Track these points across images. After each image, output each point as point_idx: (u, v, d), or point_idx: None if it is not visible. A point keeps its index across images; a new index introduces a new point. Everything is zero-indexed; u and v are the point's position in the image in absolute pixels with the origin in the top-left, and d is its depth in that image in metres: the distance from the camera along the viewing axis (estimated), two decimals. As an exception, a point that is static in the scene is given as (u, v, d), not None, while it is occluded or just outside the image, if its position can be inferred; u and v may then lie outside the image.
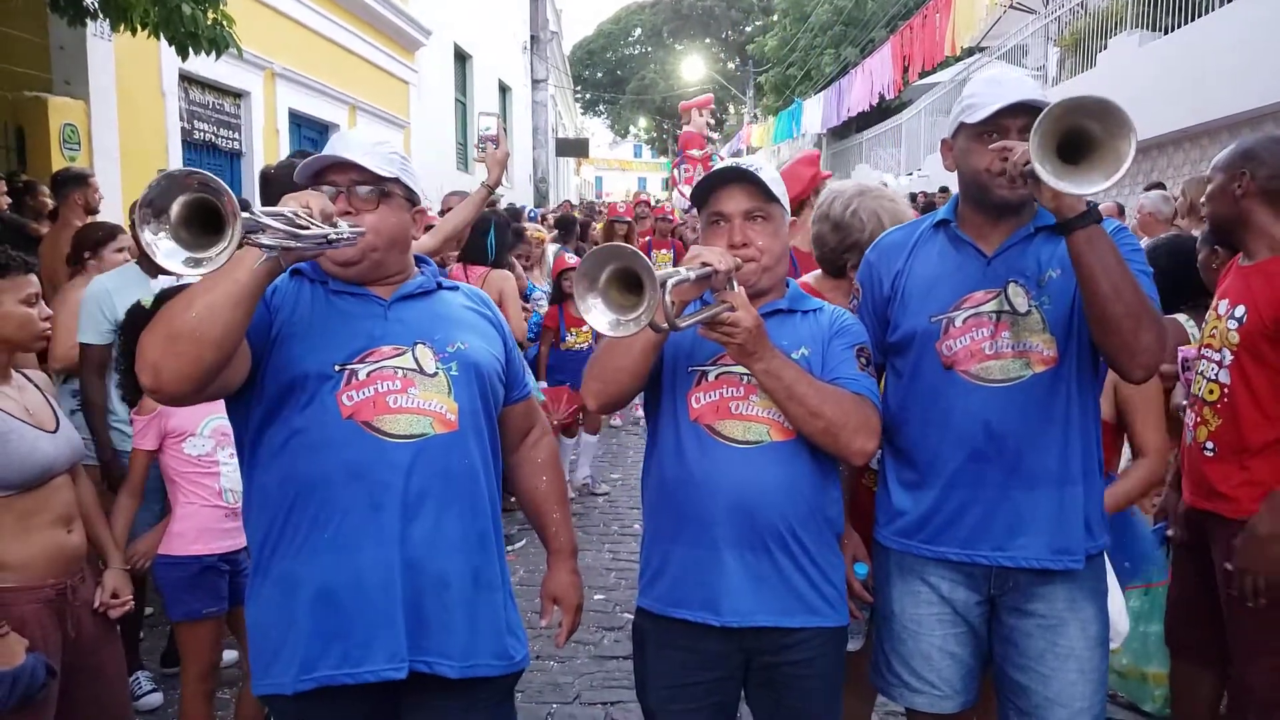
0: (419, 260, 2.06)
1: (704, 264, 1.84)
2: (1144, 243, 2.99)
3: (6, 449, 2.23)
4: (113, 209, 6.20)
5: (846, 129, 24.91)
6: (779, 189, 2.06)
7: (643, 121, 50.76)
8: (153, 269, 3.62)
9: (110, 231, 4.17)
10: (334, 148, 1.91)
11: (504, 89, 22.34)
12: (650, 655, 2.11)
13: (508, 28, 22.08)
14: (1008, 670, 2.14)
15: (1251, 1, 8.76)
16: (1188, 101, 9.40)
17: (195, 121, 8.73)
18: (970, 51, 17.60)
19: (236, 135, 9.50)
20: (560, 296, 6.40)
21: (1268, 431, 2.48)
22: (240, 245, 1.39)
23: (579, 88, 45.50)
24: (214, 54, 5.19)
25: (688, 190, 9.36)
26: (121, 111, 7.24)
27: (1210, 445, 2.60)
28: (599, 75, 48.11)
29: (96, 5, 5.05)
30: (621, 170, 52.18)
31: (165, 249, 1.33)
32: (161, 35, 5.02)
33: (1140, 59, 10.68)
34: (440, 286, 2.02)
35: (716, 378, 2.03)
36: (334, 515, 1.80)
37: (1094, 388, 2.12)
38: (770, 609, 1.99)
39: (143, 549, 2.99)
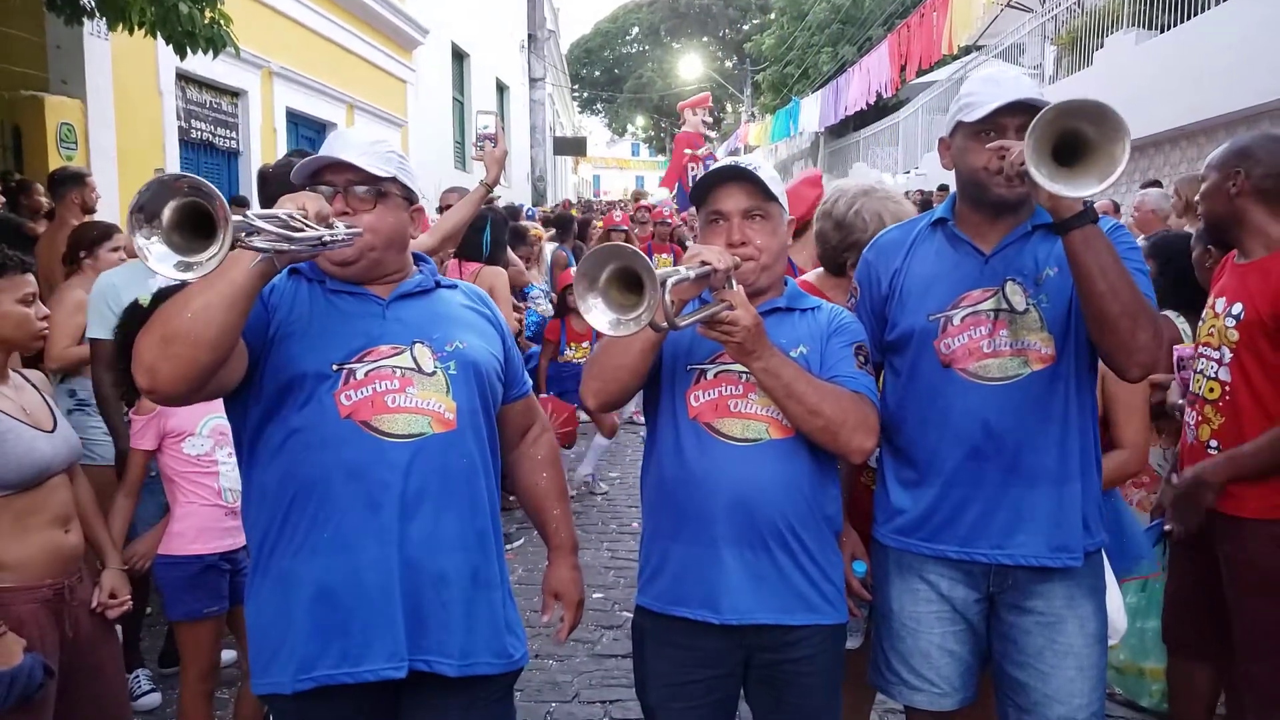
0: (417, 258, 2.06)
1: (703, 263, 1.84)
2: (1140, 240, 3.00)
3: (3, 449, 2.23)
4: (110, 208, 6.19)
5: (844, 127, 24.92)
6: (777, 188, 2.06)
7: (640, 120, 50.77)
8: None
9: (106, 231, 4.16)
10: (331, 147, 1.91)
11: (501, 88, 22.33)
12: (649, 653, 2.12)
13: (505, 26, 22.07)
14: (1006, 667, 2.15)
15: (1248, 1, 8.77)
16: (1184, 100, 9.41)
17: (192, 120, 8.71)
18: (967, 50, 17.61)
19: (234, 134, 9.49)
20: (564, 310, 6.39)
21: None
22: (232, 248, 1.38)
23: (576, 86, 45.50)
24: (211, 53, 5.18)
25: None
26: (118, 111, 7.23)
27: (1214, 444, 2.60)
28: (596, 74, 48.11)
29: (93, 4, 5.04)
30: (619, 169, 52.15)
31: (157, 253, 1.33)
32: (159, 34, 5.01)
33: (1137, 57, 10.70)
34: (439, 285, 2.02)
35: (715, 376, 2.04)
36: (333, 514, 1.80)
37: (1092, 386, 2.13)
38: (769, 607, 2.00)
39: (142, 549, 2.99)
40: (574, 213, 12.40)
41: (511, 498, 4.47)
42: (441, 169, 15.18)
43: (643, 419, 7.21)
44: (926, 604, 2.16)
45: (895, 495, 2.19)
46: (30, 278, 2.48)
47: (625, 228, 8.36)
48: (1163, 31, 10.51)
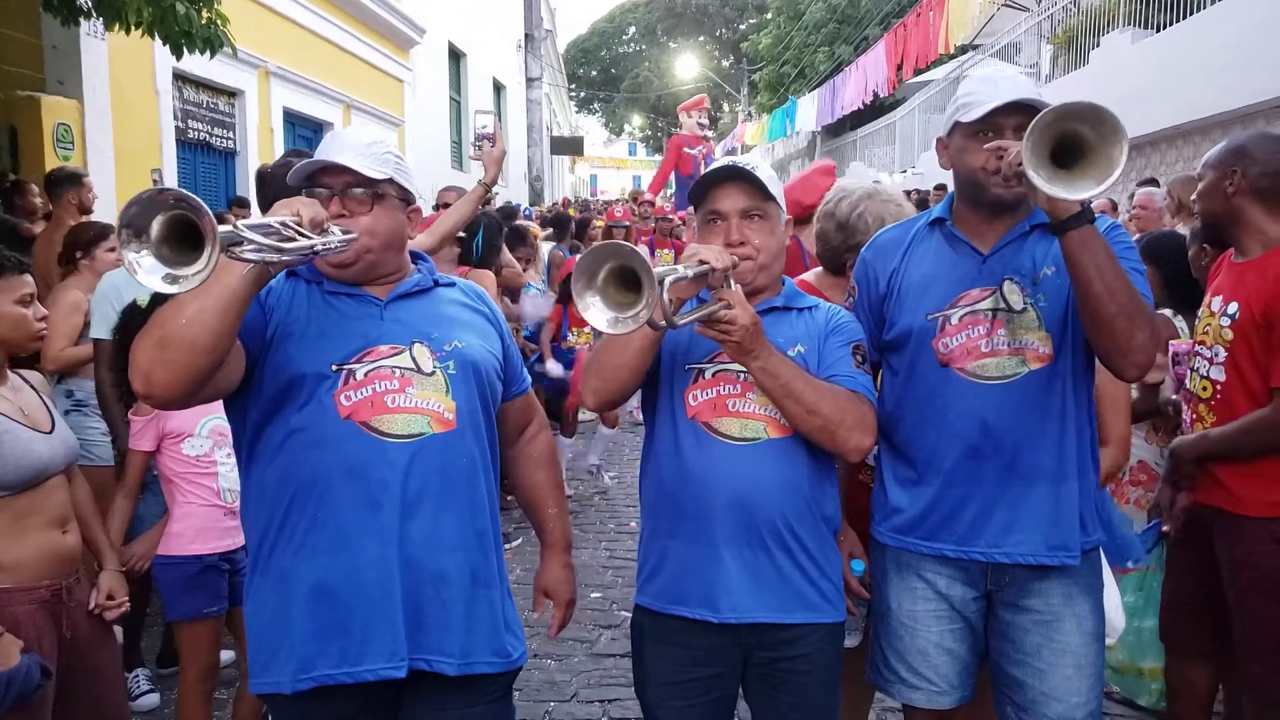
0: (416, 257, 2.06)
1: (701, 262, 1.84)
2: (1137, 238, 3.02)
3: (1, 450, 2.23)
4: (107, 209, 6.18)
5: (840, 127, 24.92)
6: (775, 188, 2.07)
7: (637, 119, 50.73)
8: None
9: (102, 231, 4.16)
10: (327, 149, 1.90)
11: (498, 87, 22.31)
12: (648, 652, 2.12)
13: (502, 26, 22.06)
14: (1004, 665, 2.15)
15: (1244, 0, 8.78)
16: (1180, 99, 9.42)
17: (189, 120, 8.70)
18: (964, 49, 17.61)
19: (231, 134, 9.47)
20: (566, 297, 6.42)
21: None
22: (224, 255, 1.38)
23: (573, 86, 45.48)
24: (208, 53, 5.17)
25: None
26: (115, 111, 7.21)
27: None
28: (593, 73, 48.08)
29: (90, 4, 5.03)
30: (616, 168, 52.14)
31: (147, 266, 1.33)
32: (155, 34, 5.00)
33: (1133, 56, 10.70)
34: (437, 284, 2.02)
35: (713, 375, 2.04)
36: (333, 514, 1.80)
37: (1089, 385, 2.13)
38: (768, 605, 2.00)
39: (140, 550, 2.99)
40: (571, 212, 12.39)
41: (510, 497, 4.47)
42: (438, 169, 15.17)
43: (640, 416, 7.16)
44: (924, 602, 2.16)
45: (893, 494, 2.20)
46: (28, 278, 2.48)
47: (627, 224, 8.36)
48: (1159, 31, 10.52)
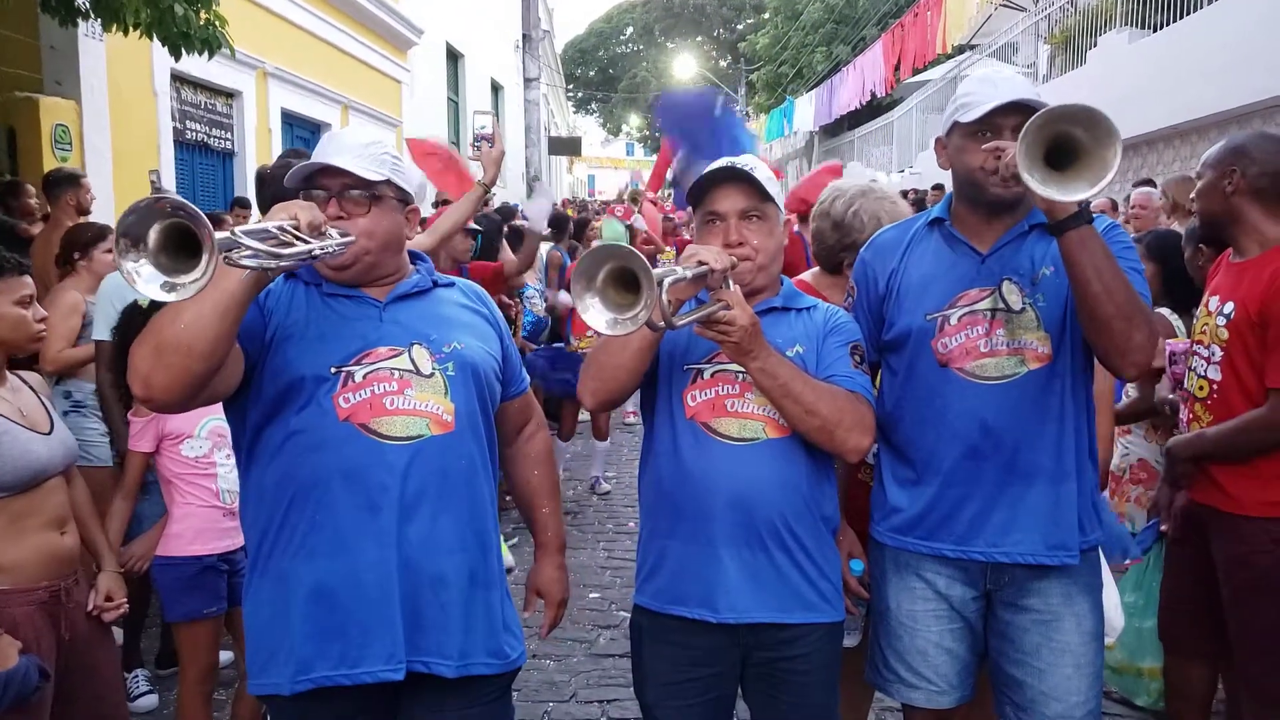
0: (415, 257, 2.06)
1: (700, 263, 1.85)
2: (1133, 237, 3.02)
3: (0, 451, 2.23)
4: (105, 209, 6.18)
5: (838, 127, 24.95)
6: (774, 188, 2.07)
7: (635, 120, 50.74)
8: None
9: (100, 232, 4.15)
10: (324, 150, 1.89)
11: (496, 88, 22.31)
12: (647, 652, 2.12)
13: (500, 27, 22.05)
14: (1003, 665, 2.15)
15: (1241, 0, 8.79)
16: (1177, 99, 9.43)
17: (187, 121, 8.70)
18: (961, 49, 17.63)
19: (229, 135, 9.46)
20: None
21: None
22: (221, 261, 1.38)
23: (571, 86, 45.47)
24: (206, 54, 5.17)
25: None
26: (113, 112, 7.21)
27: None
28: (591, 73, 48.09)
29: (88, 5, 5.03)
30: (614, 168, 52.10)
31: (146, 274, 1.34)
32: (154, 35, 5.00)
33: (1130, 56, 10.71)
34: (436, 284, 2.02)
35: (712, 376, 2.04)
36: (331, 517, 1.80)
37: (1088, 384, 2.13)
38: (767, 605, 2.00)
39: (139, 551, 2.99)
40: (569, 212, 12.37)
41: (508, 497, 4.46)
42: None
43: (635, 420, 7.19)
44: (924, 602, 2.16)
45: (892, 494, 2.20)
46: (28, 279, 2.48)
47: (629, 223, 8.34)
48: (1155, 31, 10.53)
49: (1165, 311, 3.35)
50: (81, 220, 4.92)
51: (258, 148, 9.69)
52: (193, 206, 1.32)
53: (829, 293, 2.53)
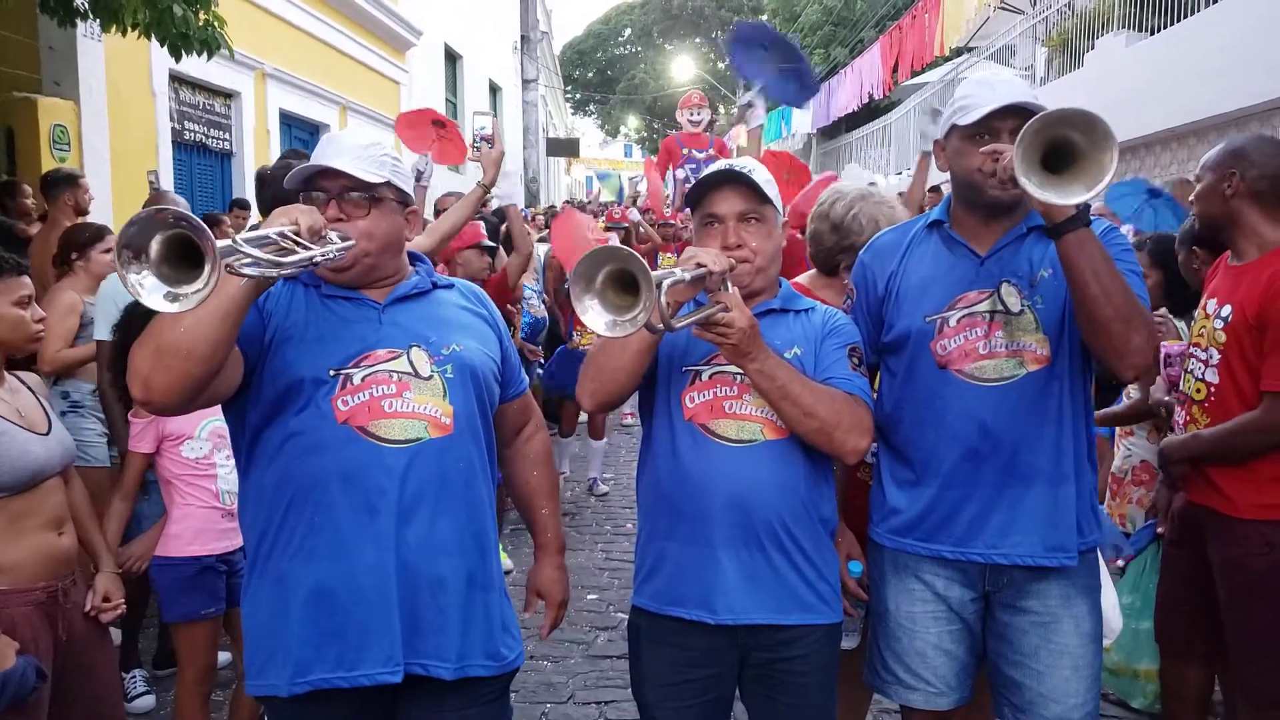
0: (414, 258, 2.05)
1: (699, 265, 1.85)
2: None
3: (-2, 451, 2.23)
4: (103, 210, 6.18)
5: (836, 129, 24.95)
6: (772, 190, 2.07)
7: (633, 121, 50.72)
8: None
9: (97, 232, 4.15)
10: (324, 152, 1.89)
11: (494, 89, 22.30)
12: (645, 653, 2.12)
13: (499, 28, 22.04)
14: (1002, 666, 2.16)
15: (1238, 3, 8.81)
16: (1174, 101, 9.44)
17: (185, 122, 8.69)
18: (959, 52, 17.64)
19: (227, 136, 9.46)
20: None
21: None
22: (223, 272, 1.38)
23: (569, 88, 45.48)
24: (205, 55, 5.17)
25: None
26: (111, 112, 7.20)
27: None
28: (589, 75, 48.07)
29: (87, 6, 5.02)
30: (612, 170, 52.04)
31: (149, 285, 1.34)
32: (153, 36, 5.00)
33: (1127, 59, 10.72)
34: (435, 286, 2.02)
35: (710, 377, 2.05)
36: (330, 519, 1.80)
37: (1086, 386, 2.14)
38: (765, 606, 2.01)
39: (138, 551, 2.99)
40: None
41: (508, 497, 4.46)
42: (435, 169, 15.11)
43: (633, 421, 7.19)
44: (922, 604, 2.17)
45: (891, 495, 2.21)
46: (26, 280, 2.48)
47: (626, 225, 8.31)
48: (1153, 34, 10.54)
49: (1168, 315, 3.36)
50: (79, 221, 4.92)
51: (256, 148, 9.68)
52: (195, 218, 1.33)
53: (824, 294, 2.54)
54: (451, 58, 18.42)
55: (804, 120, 24.09)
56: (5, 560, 2.25)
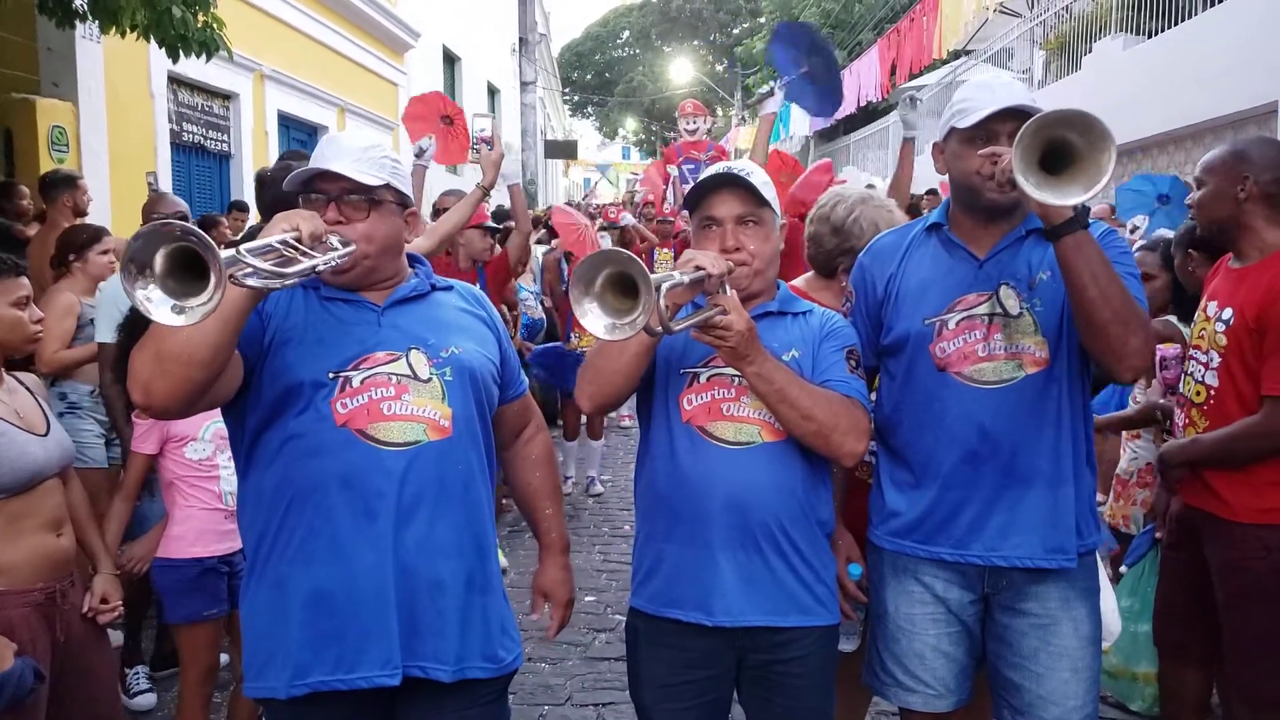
0: (413, 260, 2.05)
1: (697, 267, 1.86)
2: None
3: (-3, 452, 2.23)
4: (101, 212, 6.18)
5: (834, 131, 24.98)
6: (769, 193, 2.08)
7: (631, 123, 50.74)
8: None
9: (95, 234, 4.15)
10: (323, 155, 1.89)
11: (493, 91, 22.31)
12: (643, 654, 2.13)
13: (497, 30, 22.05)
14: (1001, 669, 2.16)
15: (1235, 6, 8.83)
16: (1172, 104, 9.46)
17: (184, 123, 8.69)
18: (957, 55, 17.66)
19: (225, 137, 9.46)
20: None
21: None
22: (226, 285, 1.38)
23: (567, 90, 45.48)
24: (204, 56, 5.17)
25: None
26: (110, 113, 7.20)
27: None
28: (587, 77, 48.09)
29: (86, 7, 5.02)
30: (611, 166, 52.02)
31: (157, 299, 1.35)
32: (151, 38, 5.00)
33: (1125, 62, 10.75)
34: (434, 288, 2.02)
35: (708, 380, 2.05)
36: (328, 522, 1.80)
37: (1085, 388, 2.15)
38: (762, 609, 2.01)
39: (140, 553, 2.99)
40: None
41: (506, 500, 4.46)
42: (432, 171, 15.11)
43: (631, 423, 7.18)
44: (921, 606, 2.17)
45: (891, 497, 2.21)
46: (24, 281, 2.48)
47: (620, 225, 8.32)
48: (1150, 37, 10.57)
49: (1173, 319, 3.36)
50: (77, 222, 4.92)
51: (254, 150, 9.68)
52: (199, 231, 1.33)
53: (822, 296, 2.55)
54: (450, 60, 18.44)
55: (802, 122, 24.10)
56: (3, 561, 2.25)
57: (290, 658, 1.80)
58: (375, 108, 13.14)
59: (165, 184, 7.72)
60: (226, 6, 5.62)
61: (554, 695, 3.82)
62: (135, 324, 2.91)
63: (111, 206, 6.77)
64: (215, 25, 5.17)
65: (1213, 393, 2.59)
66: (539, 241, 9.36)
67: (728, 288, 1.90)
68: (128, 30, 4.90)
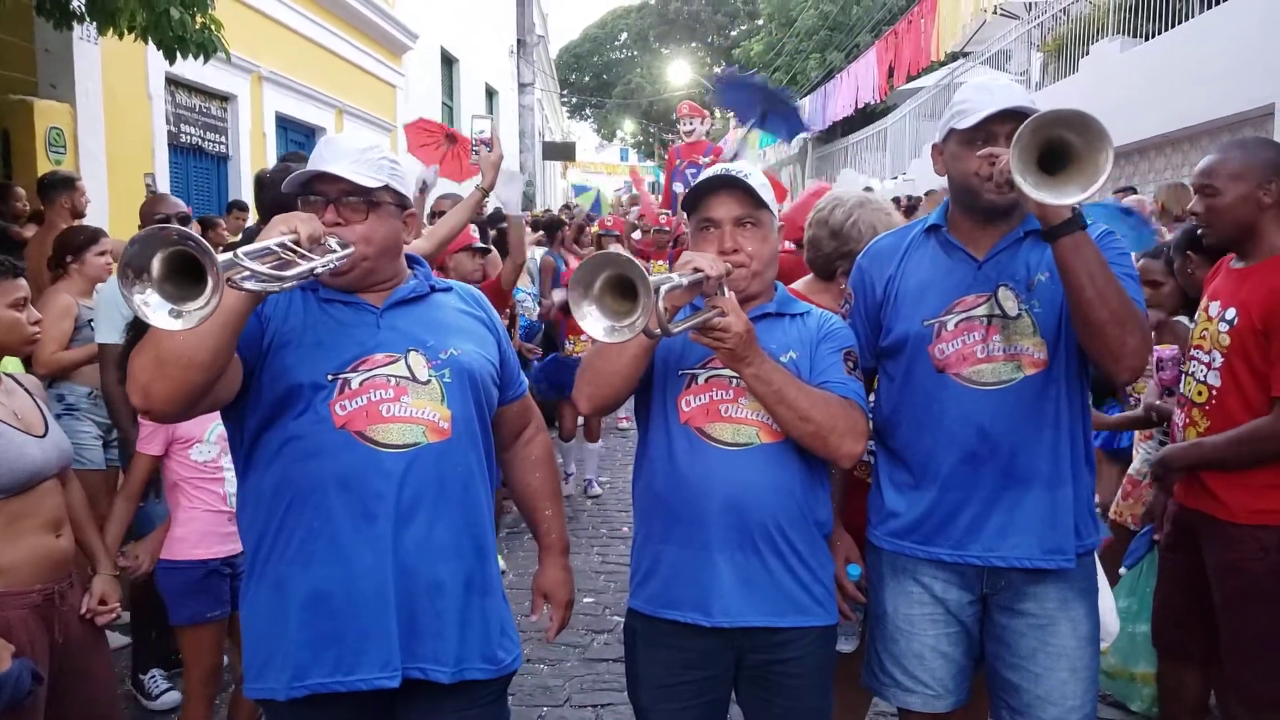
0: (412, 261, 2.05)
1: (695, 269, 1.86)
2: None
3: (-4, 454, 2.23)
4: (99, 213, 6.17)
5: (832, 133, 24.98)
6: (768, 195, 2.08)
7: (629, 125, 50.75)
8: None
9: (92, 235, 4.15)
10: (321, 156, 1.89)
11: (491, 93, 22.30)
12: (641, 655, 2.13)
13: (495, 31, 22.06)
14: (999, 669, 2.16)
15: (1232, 8, 8.85)
16: (1169, 107, 9.48)
17: (182, 125, 8.68)
18: (954, 57, 17.69)
19: (223, 138, 9.45)
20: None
21: None
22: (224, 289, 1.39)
23: (565, 92, 45.49)
24: (202, 58, 5.17)
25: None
26: (108, 115, 7.19)
27: None
28: (585, 79, 48.10)
29: (83, 9, 5.02)
30: (608, 174, 52.04)
31: (154, 304, 1.35)
32: (149, 39, 5.00)
33: (1122, 65, 10.77)
34: (433, 289, 2.02)
35: (706, 381, 2.05)
36: (328, 524, 1.80)
37: (1083, 389, 2.15)
38: (760, 609, 2.01)
39: (142, 554, 2.99)
40: (563, 217, 12.36)
41: (506, 500, 4.45)
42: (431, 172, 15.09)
43: (629, 424, 7.17)
44: (920, 606, 2.17)
45: (890, 498, 2.21)
46: (22, 282, 2.48)
47: (618, 232, 8.33)
48: (1147, 39, 10.59)
49: (1185, 320, 3.36)
50: (75, 224, 4.92)
51: (252, 151, 9.67)
52: (196, 236, 1.33)
53: (820, 299, 2.55)
54: (448, 61, 18.43)
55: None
56: (2, 562, 2.25)
57: (289, 659, 1.80)
58: (373, 109, 13.14)
59: (163, 185, 7.72)
60: (224, 8, 5.62)
61: (553, 696, 3.82)
62: (141, 324, 2.92)
63: (109, 208, 6.77)
64: (213, 27, 5.17)
65: (1214, 393, 2.59)
66: (536, 243, 9.35)
67: (726, 289, 1.90)
68: (125, 31, 4.90)
